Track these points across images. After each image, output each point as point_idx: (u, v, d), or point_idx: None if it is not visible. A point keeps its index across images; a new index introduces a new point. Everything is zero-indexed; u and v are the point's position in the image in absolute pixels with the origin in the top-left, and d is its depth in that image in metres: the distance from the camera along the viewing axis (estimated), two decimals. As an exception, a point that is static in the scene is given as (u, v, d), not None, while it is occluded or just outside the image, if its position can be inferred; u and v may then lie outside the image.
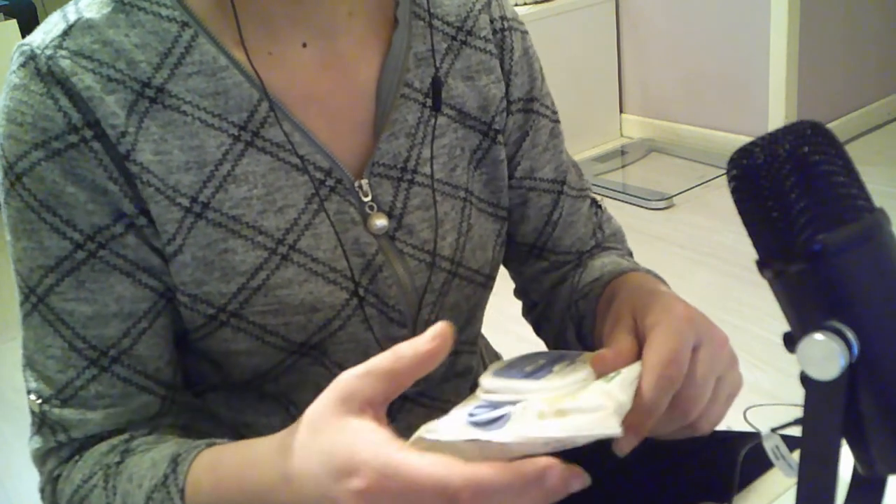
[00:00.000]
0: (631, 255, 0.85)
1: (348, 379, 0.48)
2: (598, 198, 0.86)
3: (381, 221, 0.68)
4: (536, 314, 0.85)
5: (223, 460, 0.58)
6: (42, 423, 0.65)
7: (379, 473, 0.45)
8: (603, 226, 0.85)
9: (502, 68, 0.75)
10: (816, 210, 0.41)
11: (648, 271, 0.76)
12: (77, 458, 0.65)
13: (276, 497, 0.51)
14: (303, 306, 0.66)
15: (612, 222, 0.86)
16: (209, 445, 0.60)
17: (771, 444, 0.52)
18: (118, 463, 0.63)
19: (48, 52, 0.60)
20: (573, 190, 0.82)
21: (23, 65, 0.61)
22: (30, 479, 2.06)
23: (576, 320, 0.76)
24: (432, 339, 0.48)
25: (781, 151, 0.42)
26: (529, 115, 0.78)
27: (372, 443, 0.46)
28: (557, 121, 0.81)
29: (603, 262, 0.78)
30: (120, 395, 0.65)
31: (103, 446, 0.65)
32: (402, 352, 0.48)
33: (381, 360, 0.48)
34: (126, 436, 0.66)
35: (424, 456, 0.44)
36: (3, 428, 2.29)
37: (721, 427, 0.83)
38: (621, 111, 3.69)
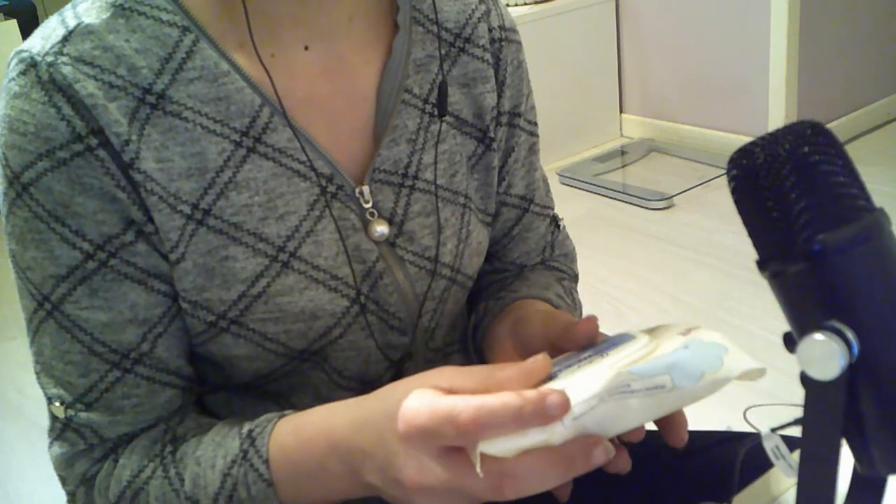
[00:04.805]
0: (575, 279, 0.88)
1: (450, 367, 0.54)
2: (561, 218, 0.88)
3: (381, 228, 0.68)
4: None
5: (306, 419, 0.60)
6: (66, 427, 0.65)
7: (413, 411, 0.50)
8: (555, 245, 0.86)
9: (496, 78, 0.75)
10: (816, 210, 0.41)
11: (562, 308, 0.78)
12: (114, 456, 0.65)
13: (354, 443, 0.55)
14: (303, 314, 0.66)
15: (565, 243, 0.88)
16: (281, 417, 0.62)
17: (771, 444, 0.52)
18: (172, 452, 0.63)
19: (49, 58, 0.59)
20: (538, 207, 0.83)
21: (23, 72, 0.60)
22: (30, 480, 2.06)
23: (478, 316, 0.80)
24: (534, 360, 0.52)
25: (781, 151, 0.42)
26: (513, 130, 0.78)
27: (419, 393, 0.52)
28: (537, 136, 0.82)
29: (534, 280, 0.81)
30: (145, 393, 0.65)
31: (144, 440, 0.65)
32: (504, 364, 0.53)
33: (482, 366, 0.54)
34: (163, 426, 0.66)
35: (451, 396, 0.50)
36: (4, 428, 2.29)
37: (721, 427, 0.83)
38: (621, 111, 3.69)
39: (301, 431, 0.59)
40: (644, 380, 0.49)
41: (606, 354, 0.54)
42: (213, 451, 0.61)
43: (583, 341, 0.60)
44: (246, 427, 0.62)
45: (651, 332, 0.58)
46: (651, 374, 0.49)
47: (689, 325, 0.57)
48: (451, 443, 0.50)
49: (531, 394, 0.47)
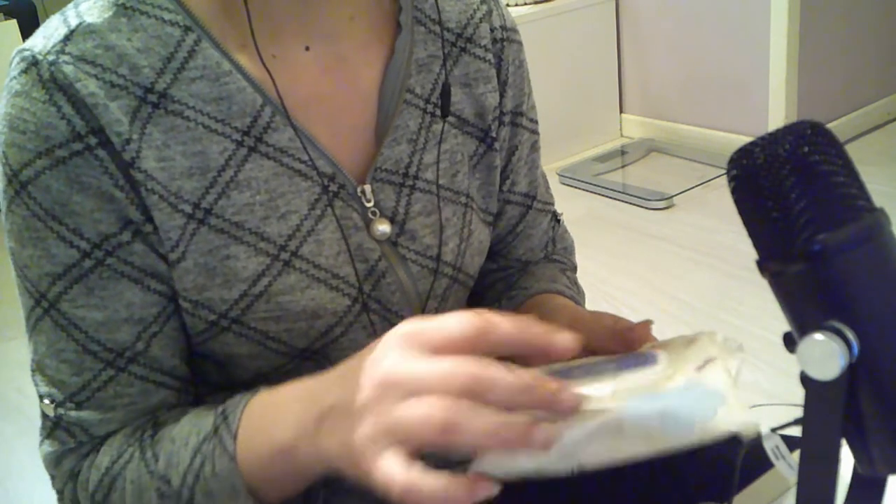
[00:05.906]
0: (575, 269, 0.89)
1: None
2: (560, 213, 0.89)
3: (383, 227, 0.68)
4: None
5: (284, 386, 0.57)
6: (56, 426, 0.65)
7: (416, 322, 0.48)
8: (556, 240, 0.87)
9: (498, 78, 0.76)
10: (816, 210, 0.41)
11: (574, 298, 0.79)
12: (98, 449, 0.65)
13: (329, 397, 0.51)
14: (304, 313, 0.66)
15: (565, 237, 0.89)
16: (255, 393, 0.60)
17: (771, 444, 0.52)
18: (152, 435, 0.63)
19: (50, 57, 0.59)
20: (540, 203, 0.84)
21: (24, 71, 0.60)
22: (30, 479, 2.06)
23: None
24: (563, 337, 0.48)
25: (781, 151, 0.42)
26: (516, 129, 0.79)
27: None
28: (538, 134, 0.83)
29: (540, 274, 0.81)
30: (139, 392, 0.65)
31: (127, 429, 0.65)
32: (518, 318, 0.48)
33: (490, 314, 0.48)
34: (148, 416, 0.66)
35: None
36: (4, 428, 2.29)
37: (721, 427, 0.83)
38: (621, 111, 3.69)
39: (275, 393, 0.58)
40: (636, 427, 0.50)
41: (619, 374, 0.55)
42: (188, 430, 0.61)
43: (636, 347, 0.60)
44: (221, 406, 0.61)
45: (676, 351, 0.58)
46: (644, 418, 0.50)
47: (710, 356, 0.57)
48: (448, 337, 0.46)
49: (547, 378, 0.46)
